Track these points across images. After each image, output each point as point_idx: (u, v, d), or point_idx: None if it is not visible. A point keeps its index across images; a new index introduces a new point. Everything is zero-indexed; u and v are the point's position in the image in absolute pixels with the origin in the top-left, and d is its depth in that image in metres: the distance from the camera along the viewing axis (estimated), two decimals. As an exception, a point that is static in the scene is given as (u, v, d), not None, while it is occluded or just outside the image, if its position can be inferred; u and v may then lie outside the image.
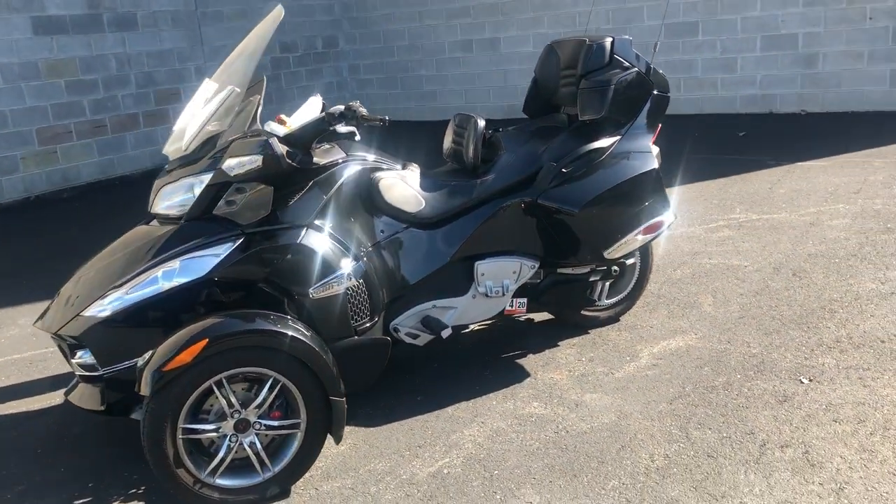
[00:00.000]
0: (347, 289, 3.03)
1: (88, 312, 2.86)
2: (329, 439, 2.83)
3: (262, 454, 2.70)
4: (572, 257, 3.47)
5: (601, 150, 3.46)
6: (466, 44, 10.76)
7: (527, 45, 10.30)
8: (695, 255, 4.81)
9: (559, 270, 3.63)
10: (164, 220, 3.08)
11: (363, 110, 3.13)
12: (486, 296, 3.44)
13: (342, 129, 3.13)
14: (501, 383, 3.45)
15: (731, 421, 2.98)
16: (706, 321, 3.88)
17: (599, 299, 3.84)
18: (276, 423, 2.71)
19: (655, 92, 3.58)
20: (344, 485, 2.81)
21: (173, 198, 3.04)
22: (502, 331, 3.99)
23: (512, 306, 3.57)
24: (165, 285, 2.80)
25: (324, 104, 3.33)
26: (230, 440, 2.68)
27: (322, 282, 2.98)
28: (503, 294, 3.47)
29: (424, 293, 3.36)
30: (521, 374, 3.51)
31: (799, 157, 7.08)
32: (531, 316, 4.09)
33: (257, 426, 2.69)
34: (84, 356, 2.99)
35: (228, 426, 2.67)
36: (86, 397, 3.05)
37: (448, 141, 3.66)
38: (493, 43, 10.54)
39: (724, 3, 9.02)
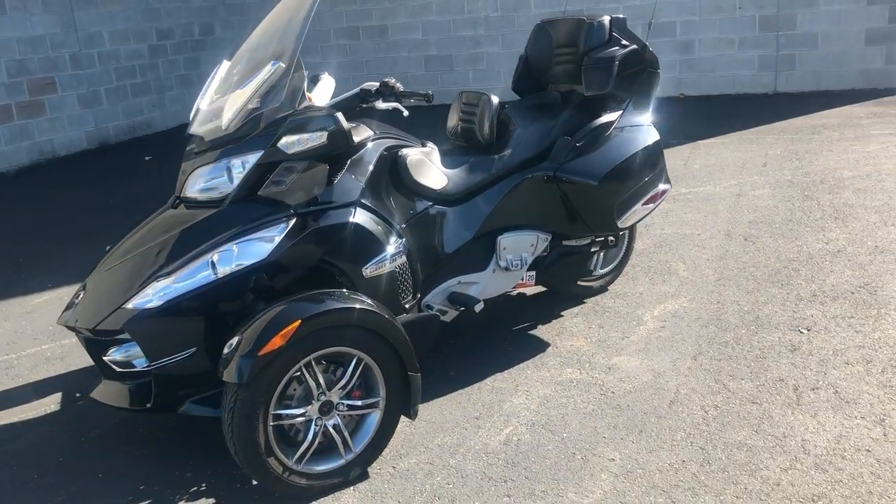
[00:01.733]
0: (396, 267, 3.01)
1: (132, 304, 2.68)
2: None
3: (347, 435, 2.65)
4: (586, 228, 3.60)
5: (608, 125, 3.61)
6: (353, 31, 10.67)
7: (416, 32, 10.36)
8: (648, 227, 5.09)
9: (564, 243, 3.75)
10: (195, 203, 2.93)
11: (400, 86, 3.11)
12: (507, 269, 3.51)
13: (382, 105, 3.10)
14: (526, 354, 3.53)
15: (756, 371, 3.22)
16: (688, 285, 4.13)
17: (595, 269, 4.00)
18: (359, 403, 2.67)
19: (649, 69, 3.77)
20: (420, 461, 2.80)
21: (208, 180, 2.89)
22: (501, 307, 4.06)
23: (522, 279, 3.66)
24: (222, 271, 2.67)
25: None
26: (315, 424, 2.60)
27: (374, 260, 2.95)
28: (521, 267, 3.55)
29: (450, 269, 3.38)
30: (540, 345, 3.61)
31: (696, 136, 7.59)
32: (524, 290, 4.19)
33: (340, 407, 2.64)
34: (118, 353, 2.81)
35: (314, 409, 2.59)
36: (115, 395, 2.87)
37: (454, 119, 3.68)
38: (382, 30, 10.52)
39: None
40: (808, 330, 3.53)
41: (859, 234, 4.62)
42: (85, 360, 3.79)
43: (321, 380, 2.57)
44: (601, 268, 4.06)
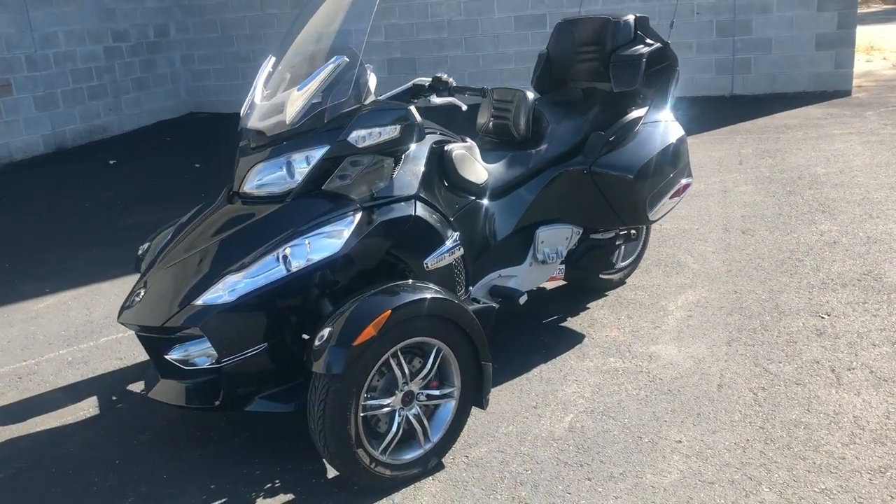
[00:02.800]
0: (454, 259, 3.05)
1: (202, 300, 2.65)
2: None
3: (427, 425, 2.67)
4: (619, 220, 3.69)
5: (637, 120, 3.72)
6: (315, 34, 10.59)
7: (378, 35, 10.36)
8: (646, 223, 5.22)
9: (591, 236, 3.83)
10: (254, 199, 2.91)
11: (452, 81, 3.14)
12: (543, 262, 3.58)
13: (437, 100, 3.13)
14: (565, 345, 3.60)
15: (791, 355, 3.36)
16: (701, 276, 4.27)
17: (616, 262, 4.10)
18: (437, 393, 2.69)
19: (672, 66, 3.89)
20: (491, 449, 2.84)
21: (270, 175, 2.88)
22: (527, 302, 4.11)
23: (555, 273, 3.73)
24: (295, 266, 2.66)
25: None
26: (398, 414, 2.62)
27: (435, 253, 2.98)
28: (556, 260, 3.62)
29: (492, 263, 3.42)
30: (576, 336, 3.69)
31: (668, 135, 7.80)
32: (544, 284, 4.26)
33: (420, 397, 2.66)
34: (181, 350, 2.77)
35: (397, 400, 2.61)
36: (177, 394, 2.83)
37: (485, 116, 3.73)
38: (344, 33, 10.47)
39: (570, -2, 9.69)
40: (829, 315, 3.70)
41: (849, 225, 4.84)
42: (111, 364, 3.70)
43: (406, 370, 2.59)
44: (621, 261, 4.16)
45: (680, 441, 2.81)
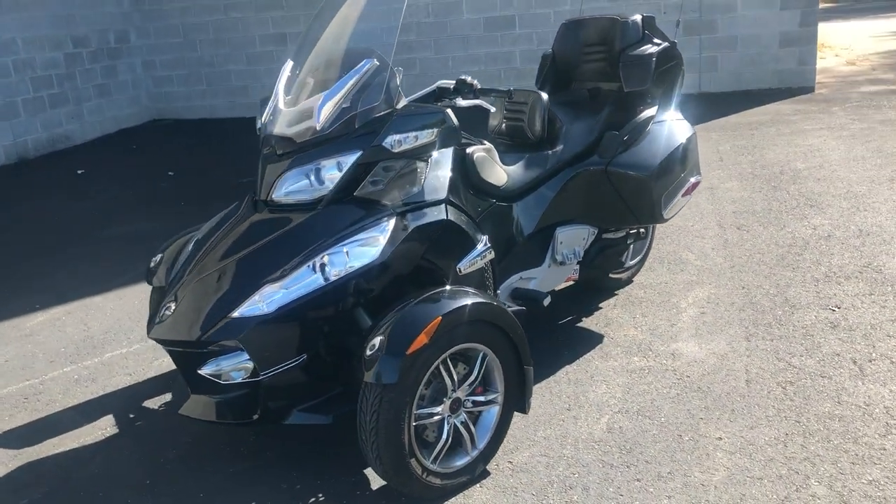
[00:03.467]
0: (485, 263, 3.02)
1: (240, 312, 2.58)
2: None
3: (474, 432, 2.64)
4: (634, 219, 3.70)
5: (648, 119, 3.73)
6: (280, 37, 10.47)
7: (347, 38, 10.25)
8: (641, 221, 5.25)
9: (603, 236, 3.84)
10: (283, 207, 2.84)
11: (477, 83, 3.12)
12: (562, 263, 3.58)
13: (464, 102, 3.10)
14: (585, 346, 3.59)
15: (810, 348, 3.41)
16: (706, 273, 4.31)
17: (626, 261, 4.12)
18: (482, 399, 2.66)
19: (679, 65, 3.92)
20: (533, 454, 2.82)
21: (300, 182, 2.81)
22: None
23: (570, 273, 3.73)
24: (334, 274, 2.61)
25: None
26: (447, 422, 2.58)
27: (468, 257, 2.95)
28: (573, 261, 3.62)
29: (514, 265, 3.41)
30: (594, 336, 3.69)
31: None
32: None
33: (467, 404, 2.63)
34: (212, 365, 2.68)
35: (446, 408, 2.57)
36: (210, 409, 2.75)
37: (497, 118, 3.71)
38: (311, 36, 10.36)
39: (539, -1, 9.73)
40: (839, 308, 3.76)
41: (839, 219, 4.94)
42: (121, 380, 3.59)
43: (455, 377, 2.55)
44: (630, 259, 4.18)
45: (720, 438, 2.82)
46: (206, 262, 2.81)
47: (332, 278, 2.60)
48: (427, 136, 2.77)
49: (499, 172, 3.35)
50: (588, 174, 3.59)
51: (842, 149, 6.69)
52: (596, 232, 3.71)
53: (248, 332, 2.55)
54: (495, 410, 2.70)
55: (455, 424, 2.60)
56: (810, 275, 4.17)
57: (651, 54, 3.70)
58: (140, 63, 11.00)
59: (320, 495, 2.67)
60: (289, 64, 3.12)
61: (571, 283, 4.03)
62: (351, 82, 2.78)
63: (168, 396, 3.39)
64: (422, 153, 2.85)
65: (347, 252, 2.64)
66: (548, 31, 9.70)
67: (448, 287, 2.66)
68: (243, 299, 2.60)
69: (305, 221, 2.74)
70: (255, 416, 2.66)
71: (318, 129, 2.77)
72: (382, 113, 2.80)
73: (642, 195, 3.61)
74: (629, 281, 4.25)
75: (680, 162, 3.69)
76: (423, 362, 2.42)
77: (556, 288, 4.19)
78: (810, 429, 2.83)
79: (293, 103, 2.93)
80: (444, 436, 2.56)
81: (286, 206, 2.84)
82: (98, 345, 3.99)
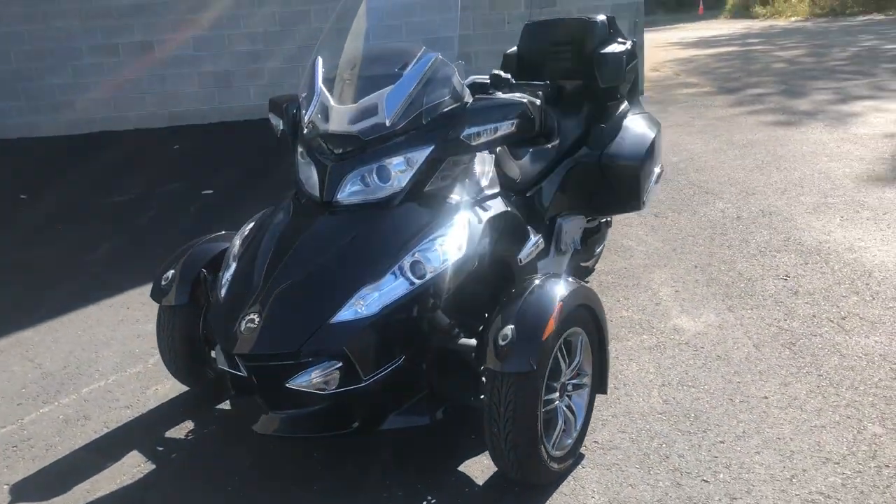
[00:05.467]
0: (536, 253, 3.08)
1: (339, 319, 2.47)
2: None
3: (577, 415, 2.69)
4: (619, 207, 3.90)
5: (624, 113, 3.96)
6: (112, 48, 9.74)
7: (187, 47, 9.77)
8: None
9: (585, 225, 4.01)
10: (350, 207, 2.73)
11: (511, 77, 3.16)
12: (563, 253, 3.70)
13: (502, 96, 3.11)
14: (591, 330, 3.73)
15: (788, 313, 3.77)
16: (655, 256, 4.62)
17: (595, 250, 4.32)
18: (577, 382, 2.71)
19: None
20: (613, 432, 2.90)
21: (368, 180, 2.71)
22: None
23: (566, 262, 3.86)
24: (427, 271, 2.56)
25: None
26: (559, 407, 2.61)
27: (527, 247, 3.00)
28: (572, 249, 3.76)
29: (527, 257, 3.48)
30: (593, 320, 3.83)
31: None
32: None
33: (568, 388, 2.67)
34: (304, 377, 2.51)
35: (558, 392, 2.60)
36: (294, 425, 2.61)
37: None
38: (145, 46, 9.74)
39: (390, 12, 9.78)
40: (789, 277, 4.19)
41: (738, 202, 5.48)
42: (121, 414, 3.24)
43: (566, 360, 2.59)
44: (597, 248, 4.39)
45: (766, 397, 3.07)
46: (283, 270, 2.61)
47: (423, 278, 2.54)
48: (507, 127, 2.77)
49: (513, 166, 3.41)
50: (583, 165, 3.74)
51: (699, 143, 7.38)
52: (586, 220, 3.87)
53: (352, 337, 2.44)
54: (586, 392, 2.76)
55: (561, 408, 2.64)
56: (746, 251, 4.59)
57: (623, 51, 3.92)
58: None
59: (430, 497, 2.59)
60: (319, 60, 2.99)
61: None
62: (417, 77, 2.72)
63: (188, 424, 3.11)
64: (494, 146, 2.85)
65: (434, 250, 2.59)
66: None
67: (538, 275, 2.69)
68: (340, 305, 2.47)
69: (387, 221, 2.66)
70: (356, 425, 2.54)
71: (387, 124, 2.69)
72: (451, 107, 2.77)
73: (632, 183, 3.82)
74: (592, 269, 4.45)
75: (655, 152, 3.95)
76: (550, 348, 2.44)
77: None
78: (834, 380, 3.15)
79: (346, 100, 2.82)
80: (561, 420, 2.59)
81: (356, 205, 2.72)
82: (65, 381, 3.55)
